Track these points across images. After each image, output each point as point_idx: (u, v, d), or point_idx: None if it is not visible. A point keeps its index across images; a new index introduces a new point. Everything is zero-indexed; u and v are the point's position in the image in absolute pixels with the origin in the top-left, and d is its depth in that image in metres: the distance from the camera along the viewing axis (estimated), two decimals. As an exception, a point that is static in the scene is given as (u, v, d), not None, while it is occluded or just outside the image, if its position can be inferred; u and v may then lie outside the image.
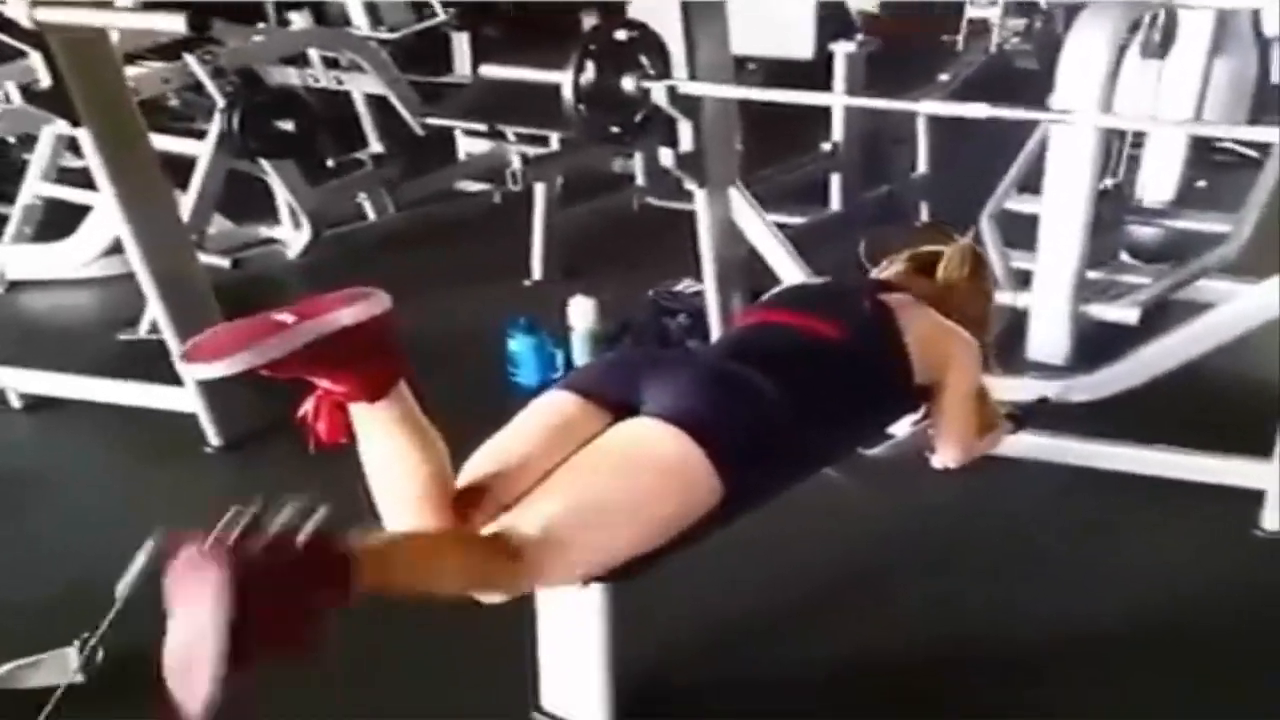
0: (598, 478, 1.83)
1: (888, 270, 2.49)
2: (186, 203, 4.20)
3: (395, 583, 1.56)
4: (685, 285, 3.87)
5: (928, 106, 3.80)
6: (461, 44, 6.44)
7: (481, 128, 5.13)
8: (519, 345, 3.55)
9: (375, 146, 5.37)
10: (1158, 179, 4.25)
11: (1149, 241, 4.19)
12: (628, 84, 3.10)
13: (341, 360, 1.64)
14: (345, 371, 1.65)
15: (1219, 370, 2.97)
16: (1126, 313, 3.55)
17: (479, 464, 1.89)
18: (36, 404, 3.52)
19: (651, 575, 1.92)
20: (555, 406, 1.98)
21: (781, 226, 3.57)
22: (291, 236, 4.59)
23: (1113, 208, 3.89)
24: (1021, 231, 3.72)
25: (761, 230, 3.63)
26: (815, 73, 4.93)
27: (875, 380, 2.17)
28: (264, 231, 4.69)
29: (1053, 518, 2.87)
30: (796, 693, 2.25)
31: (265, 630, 1.34)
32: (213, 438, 3.28)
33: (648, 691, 2.19)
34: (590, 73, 2.99)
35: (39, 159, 4.70)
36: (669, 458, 1.82)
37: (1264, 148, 4.18)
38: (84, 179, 3.63)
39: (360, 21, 5.87)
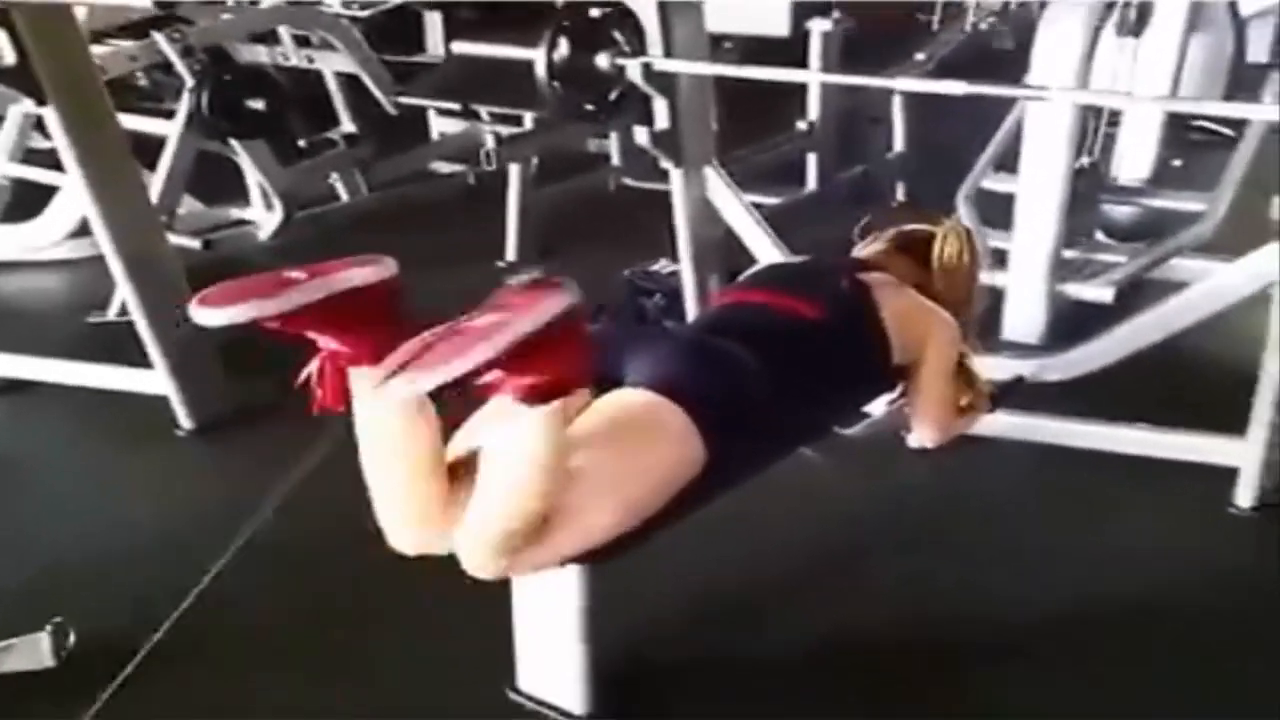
0: (583, 452, 1.83)
1: (867, 249, 2.50)
2: (155, 183, 4.16)
3: None
4: (661, 265, 3.86)
5: (904, 84, 3.82)
6: (434, 22, 6.41)
7: (455, 107, 5.09)
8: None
9: (347, 126, 5.32)
10: (1133, 158, 4.27)
11: (1124, 220, 4.21)
12: (602, 61, 3.09)
13: (350, 320, 1.65)
14: (352, 332, 1.66)
15: (1194, 349, 2.99)
16: (1102, 291, 3.57)
17: (465, 439, 1.89)
18: (4, 387, 3.48)
19: (628, 556, 1.93)
20: None
21: (758, 206, 3.57)
22: (263, 218, 4.55)
23: (1089, 186, 3.91)
24: (998, 211, 3.73)
25: (738, 209, 3.63)
26: (791, 53, 4.93)
27: (852, 358, 2.18)
28: (235, 213, 4.66)
29: (1027, 497, 2.90)
30: (773, 672, 2.26)
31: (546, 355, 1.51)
32: (184, 421, 3.25)
33: (624, 671, 2.18)
34: (564, 50, 2.99)
35: (5, 139, 4.64)
36: (654, 422, 1.83)
37: (1239, 126, 4.21)
38: (52, 160, 3.59)
39: (331, -1, 5.83)
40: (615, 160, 5.09)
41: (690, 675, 2.26)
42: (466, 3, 6.50)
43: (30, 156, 4.61)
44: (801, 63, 4.81)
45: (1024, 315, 3.61)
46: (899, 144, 5.16)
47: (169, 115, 4.36)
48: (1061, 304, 3.59)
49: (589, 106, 3.17)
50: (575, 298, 1.58)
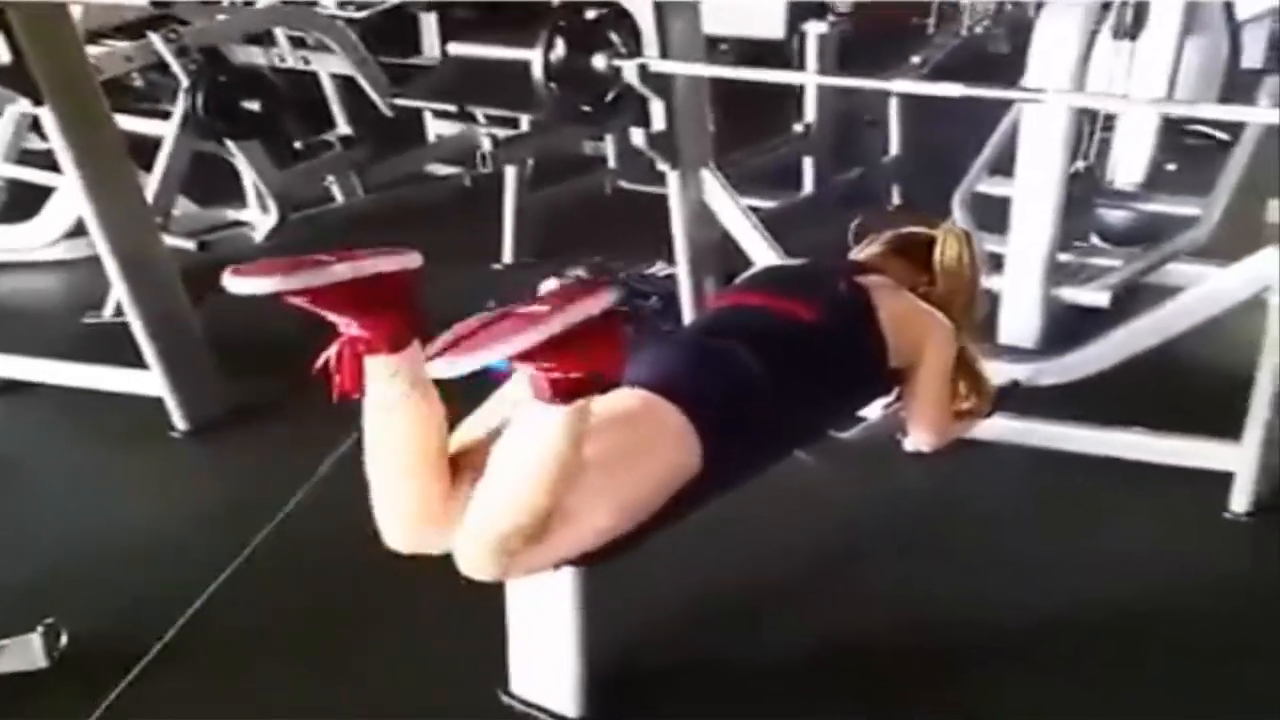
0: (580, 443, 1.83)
1: (864, 252, 2.49)
2: (151, 184, 4.15)
3: None
4: (658, 268, 3.86)
5: (901, 85, 3.81)
6: (430, 24, 6.40)
7: (451, 109, 5.09)
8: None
9: (343, 128, 5.32)
10: (1129, 162, 4.27)
11: (1120, 224, 4.21)
12: (599, 62, 3.09)
13: (372, 304, 1.66)
14: (373, 316, 1.67)
15: (1189, 353, 2.99)
16: (1097, 296, 3.56)
17: (460, 438, 1.89)
18: (0, 388, 3.48)
19: (623, 559, 1.92)
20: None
21: (754, 209, 3.57)
22: (258, 219, 4.53)
23: (1084, 190, 3.90)
24: (993, 214, 3.73)
25: (734, 212, 3.63)
26: (786, 56, 4.93)
27: (849, 361, 2.17)
28: (230, 214, 4.64)
29: (1023, 501, 2.89)
30: (767, 675, 2.25)
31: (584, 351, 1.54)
32: (178, 422, 3.25)
33: (617, 674, 2.18)
34: (561, 50, 2.98)
35: (1, 139, 4.63)
36: (651, 423, 1.83)
37: (1234, 131, 4.20)
38: (47, 161, 3.58)
39: (327, 0, 5.82)
40: (611, 163, 5.09)
41: (684, 678, 2.26)
42: (462, 3, 6.49)
43: (25, 157, 4.61)
44: (797, 66, 4.82)
45: (1019, 319, 3.61)
46: (895, 147, 5.16)
47: (164, 116, 4.35)
48: (1057, 308, 3.58)
49: (585, 108, 3.17)
50: (619, 298, 1.60)
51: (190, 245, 4.12)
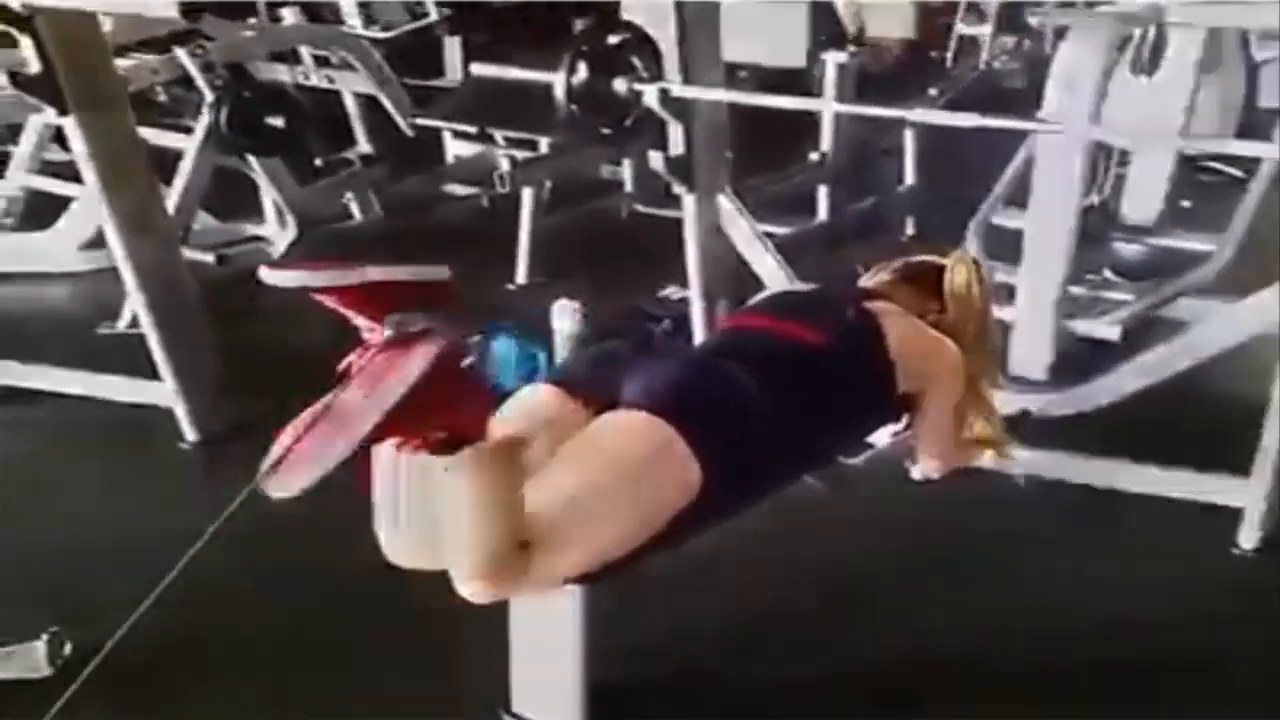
0: (577, 473, 1.82)
1: (874, 279, 2.48)
2: (172, 198, 4.18)
3: None
4: (672, 292, 3.86)
5: (918, 115, 3.82)
6: (453, 47, 6.45)
7: (470, 130, 5.12)
8: (499, 347, 3.53)
9: (364, 147, 5.36)
10: (1143, 197, 4.26)
11: (1133, 259, 4.20)
12: (620, 86, 3.10)
13: (403, 309, 1.65)
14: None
15: (1200, 387, 2.98)
16: (1109, 329, 3.56)
17: None
18: (11, 395, 3.49)
19: (628, 579, 1.91)
20: (536, 401, 1.98)
21: (769, 235, 3.57)
22: (277, 235, 4.56)
23: (1098, 224, 3.90)
24: (1007, 246, 3.72)
25: (749, 237, 3.64)
26: (805, 85, 4.95)
27: (856, 387, 2.15)
28: (249, 229, 4.67)
29: (1030, 532, 2.86)
30: (768, 699, 2.24)
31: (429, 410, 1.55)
32: (188, 433, 3.26)
33: (619, 693, 2.16)
34: (583, 74, 2.99)
35: (24, 149, 4.67)
36: (648, 445, 1.80)
37: (1249, 168, 4.20)
38: (69, 171, 3.61)
39: (353, 20, 5.86)
40: (629, 187, 5.11)
41: (686, 699, 2.24)
42: (486, 28, 6.53)
43: (46, 167, 4.66)
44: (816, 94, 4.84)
45: (1031, 350, 3.59)
46: (910, 177, 5.16)
47: (187, 131, 4.39)
48: (1069, 341, 3.57)
49: (605, 130, 3.18)
50: (442, 346, 1.60)
51: (209, 259, 4.14)
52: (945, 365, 2.23)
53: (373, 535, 1.75)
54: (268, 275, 1.63)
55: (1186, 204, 4.52)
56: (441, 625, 2.05)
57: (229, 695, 2.29)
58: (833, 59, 4.81)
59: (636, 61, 3.13)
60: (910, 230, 5.13)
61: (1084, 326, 3.60)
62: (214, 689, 2.31)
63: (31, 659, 2.27)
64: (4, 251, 4.50)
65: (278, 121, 4.28)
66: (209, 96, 4.16)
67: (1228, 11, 3.73)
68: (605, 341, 3.75)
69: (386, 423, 1.55)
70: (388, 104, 5.08)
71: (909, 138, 5.12)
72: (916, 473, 2.95)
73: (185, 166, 4.27)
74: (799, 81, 5.04)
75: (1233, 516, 2.75)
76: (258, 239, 4.61)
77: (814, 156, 4.95)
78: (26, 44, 2.92)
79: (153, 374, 3.24)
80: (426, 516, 1.67)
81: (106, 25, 3.18)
